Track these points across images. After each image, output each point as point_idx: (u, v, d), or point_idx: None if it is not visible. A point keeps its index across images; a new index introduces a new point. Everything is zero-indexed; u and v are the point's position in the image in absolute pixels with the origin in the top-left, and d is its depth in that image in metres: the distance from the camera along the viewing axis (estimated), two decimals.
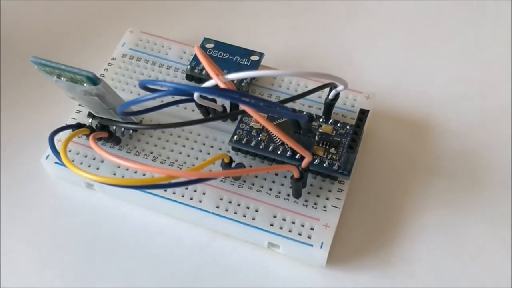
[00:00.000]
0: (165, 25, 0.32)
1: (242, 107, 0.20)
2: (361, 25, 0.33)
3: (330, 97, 0.25)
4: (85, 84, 0.22)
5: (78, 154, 0.26)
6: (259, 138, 0.25)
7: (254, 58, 0.28)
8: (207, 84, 0.22)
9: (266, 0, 0.34)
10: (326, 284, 0.24)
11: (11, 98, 0.29)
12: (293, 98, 0.24)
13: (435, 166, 0.27)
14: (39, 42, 0.31)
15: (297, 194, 0.24)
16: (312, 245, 0.23)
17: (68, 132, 0.25)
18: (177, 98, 0.25)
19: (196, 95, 0.23)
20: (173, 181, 0.21)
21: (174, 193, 0.25)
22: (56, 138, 0.25)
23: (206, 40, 0.29)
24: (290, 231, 0.24)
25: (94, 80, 0.22)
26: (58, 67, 0.22)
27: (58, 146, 0.23)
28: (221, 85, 0.21)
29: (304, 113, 0.26)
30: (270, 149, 0.25)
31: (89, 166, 0.25)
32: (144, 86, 0.23)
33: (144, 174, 0.25)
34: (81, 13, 0.33)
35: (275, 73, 0.21)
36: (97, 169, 0.25)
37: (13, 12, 0.33)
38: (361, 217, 0.26)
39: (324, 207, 0.24)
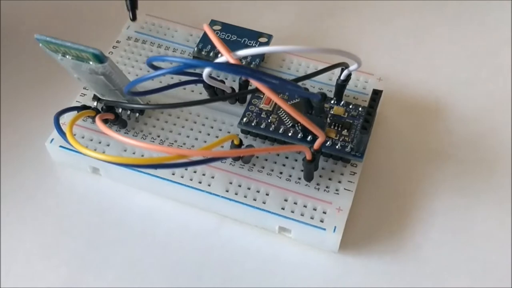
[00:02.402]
0: (171, 7, 0.32)
1: (254, 83, 0.20)
2: (369, 10, 0.33)
3: (342, 77, 0.25)
4: (91, 62, 0.21)
5: (83, 137, 0.25)
6: (269, 120, 0.25)
7: (263, 40, 0.27)
8: (218, 61, 0.21)
9: None
10: (338, 270, 0.24)
11: (13, 82, 0.29)
12: (304, 77, 0.23)
13: (444, 150, 0.27)
14: (43, 25, 0.31)
15: (308, 177, 0.24)
16: (325, 229, 0.23)
17: (73, 114, 0.24)
18: (184, 79, 0.24)
19: (205, 74, 0.22)
20: (183, 160, 0.20)
21: (182, 177, 0.24)
22: (60, 121, 0.24)
23: (213, 22, 0.28)
24: (302, 214, 0.23)
25: (100, 58, 0.21)
26: (64, 44, 0.21)
27: (64, 128, 0.22)
28: (232, 61, 0.20)
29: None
30: (280, 131, 0.24)
31: (95, 149, 0.25)
32: (151, 63, 0.22)
33: None
34: None
35: (287, 48, 0.20)
36: (103, 152, 0.25)
37: None
38: (372, 201, 0.25)
39: (337, 190, 0.24)
